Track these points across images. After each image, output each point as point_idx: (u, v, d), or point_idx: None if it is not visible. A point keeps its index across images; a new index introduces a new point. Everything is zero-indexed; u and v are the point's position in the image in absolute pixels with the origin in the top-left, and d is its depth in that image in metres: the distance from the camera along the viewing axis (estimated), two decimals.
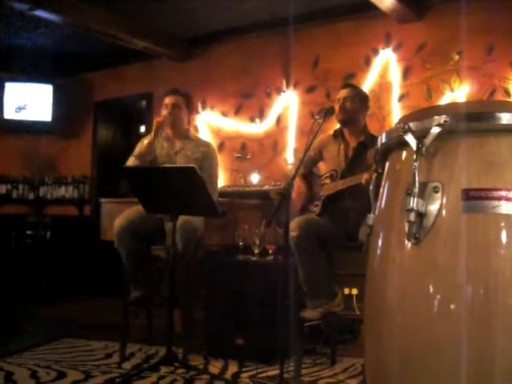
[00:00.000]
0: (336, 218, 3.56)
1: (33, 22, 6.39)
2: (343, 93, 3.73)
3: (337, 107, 3.68)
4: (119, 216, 3.75)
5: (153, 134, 3.93)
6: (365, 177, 3.27)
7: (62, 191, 7.85)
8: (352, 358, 3.74)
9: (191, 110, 4.23)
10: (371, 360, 1.72)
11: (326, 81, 6.13)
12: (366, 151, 3.60)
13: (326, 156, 3.82)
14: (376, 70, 5.85)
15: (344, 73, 5.98)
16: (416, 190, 1.50)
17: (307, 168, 3.88)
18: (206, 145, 4.25)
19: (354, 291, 4.59)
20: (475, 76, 5.30)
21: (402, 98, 5.69)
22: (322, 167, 3.94)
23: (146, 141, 3.95)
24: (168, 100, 4.08)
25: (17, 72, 7.63)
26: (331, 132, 3.86)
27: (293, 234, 3.23)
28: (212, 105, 6.91)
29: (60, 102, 7.80)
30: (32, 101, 7.73)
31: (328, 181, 3.70)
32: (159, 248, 3.88)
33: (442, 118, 1.49)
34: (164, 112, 4.07)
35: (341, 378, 3.36)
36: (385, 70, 5.81)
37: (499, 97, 5.14)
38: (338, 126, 3.85)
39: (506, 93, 5.12)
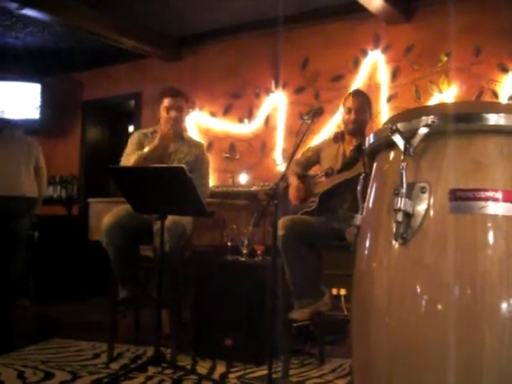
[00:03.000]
0: (326, 216, 3.56)
1: (21, 20, 6.36)
2: (357, 103, 3.68)
3: (347, 116, 3.67)
4: (108, 214, 3.74)
5: (157, 145, 3.83)
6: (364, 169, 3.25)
7: (50, 191, 7.79)
8: (340, 359, 3.74)
9: (189, 109, 4.15)
10: (359, 360, 1.72)
11: (314, 82, 6.14)
12: (362, 153, 3.58)
13: (324, 157, 3.81)
14: (365, 72, 5.86)
15: (333, 74, 6.00)
16: (403, 190, 1.50)
17: (303, 169, 3.87)
18: (199, 146, 4.22)
19: (343, 291, 4.61)
20: (463, 77, 5.33)
21: (390, 99, 5.71)
22: (316, 169, 3.93)
23: (145, 149, 3.84)
24: (171, 102, 3.94)
25: (5, 70, 7.58)
26: (330, 135, 3.84)
27: (280, 233, 3.24)
28: (201, 105, 6.90)
29: (48, 101, 7.76)
30: (20, 100, 7.69)
31: (323, 179, 3.70)
32: (147, 248, 3.87)
33: (430, 119, 1.49)
34: (164, 114, 3.94)
35: (329, 379, 3.36)
36: (373, 71, 5.82)
37: (487, 98, 5.16)
38: (327, 125, 3.84)
39: (494, 94, 5.15)
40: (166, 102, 3.96)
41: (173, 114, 3.94)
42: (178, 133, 4.05)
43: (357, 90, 4.08)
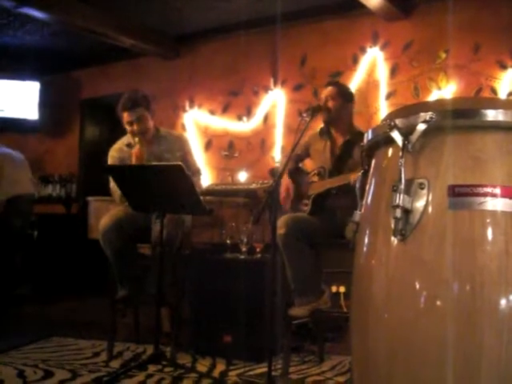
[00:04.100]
0: (324, 216, 3.56)
1: (19, 19, 6.35)
2: (325, 92, 3.72)
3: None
4: (105, 215, 3.73)
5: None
6: (353, 177, 3.27)
7: (49, 190, 7.79)
8: (340, 356, 3.75)
9: (152, 109, 3.99)
10: (358, 357, 1.72)
11: (313, 79, 6.14)
12: (352, 149, 3.60)
13: (313, 153, 3.82)
14: (363, 69, 5.86)
15: (331, 71, 5.99)
16: (402, 186, 1.50)
17: (294, 163, 3.87)
18: (180, 139, 4.20)
19: (342, 289, 4.61)
20: (462, 74, 5.33)
21: (389, 96, 5.70)
22: (309, 164, 3.93)
23: None
24: (130, 117, 3.85)
25: (3, 69, 7.58)
26: (317, 129, 3.85)
27: (280, 231, 3.23)
28: (199, 103, 6.90)
29: (47, 99, 7.76)
30: (19, 98, 7.69)
31: (316, 178, 3.70)
32: (145, 246, 3.87)
33: (428, 115, 1.49)
34: (128, 128, 3.90)
35: (329, 376, 3.37)
36: (372, 68, 5.82)
37: (486, 95, 5.16)
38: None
39: (493, 91, 5.15)
40: (126, 116, 3.88)
41: (135, 128, 3.87)
42: (153, 135, 4.00)
43: (329, 80, 4.05)
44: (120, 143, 4.09)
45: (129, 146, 3.97)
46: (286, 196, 3.69)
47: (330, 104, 3.67)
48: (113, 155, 4.01)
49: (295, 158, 3.84)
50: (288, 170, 3.77)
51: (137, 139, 3.85)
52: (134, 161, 3.80)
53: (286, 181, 3.72)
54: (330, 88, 3.74)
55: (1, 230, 5.58)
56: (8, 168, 5.67)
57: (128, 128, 3.92)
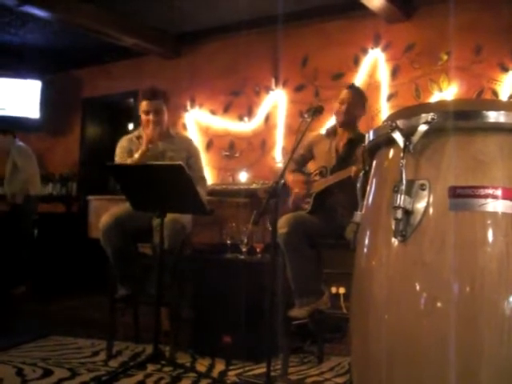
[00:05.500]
0: (325, 215, 3.56)
1: (21, 17, 6.37)
2: (348, 94, 3.71)
3: (338, 107, 3.68)
4: (106, 213, 3.73)
5: (145, 150, 3.84)
6: (353, 169, 3.27)
7: (50, 188, 7.80)
8: (339, 357, 3.75)
9: (168, 107, 4.09)
10: (358, 358, 1.71)
11: (314, 80, 6.15)
12: (355, 147, 3.60)
13: (317, 153, 3.82)
14: (365, 70, 5.87)
15: (333, 72, 6.00)
16: (403, 187, 1.50)
17: (299, 166, 3.88)
18: (188, 141, 4.23)
19: (342, 290, 4.61)
20: (463, 76, 5.33)
21: (390, 97, 5.71)
22: (311, 166, 3.94)
23: (136, 156, 3.85)
24: (148, 106, 3.89)
25: (5, 68, 7.58)
26: (322, 130, 3.85)
27: (282, 230, 3.23)
28: (201, 103, 6.90)
29: (48, 98, 7.77)
30: (20, 97, 7.69)
31: (318, 178, 3.70)
32: (146, 245, 3.86)
33: (430, 116, 1.49)
34: (143, 117, 3.92)
35: (328, 377, 3.36)
36: (373, 69, 5.83)
37: (487, 97, 5.16)
38: (327, 123, 3.84)
39: (494, 93, 5.15)
40: (144, 105, 3.92)
41: (150, 118, 3.89)
42: (163, 132, 4.01)
43: (353, 84, 4.10)
44: (131, 135, 4.14)
45: (138, 138, 4.01)
46: (299, 187, 3.70)
47: (352, 109, 3.68)
48: (122, 145, 4.05)
49: (300, 159, 3.85)
50: (292, 170, 3.79)
51: (144, 135, 3.90)
52: (137, 157, 3.83)
53: (289, 176, 3.74)
54: (353, 92, 3.74)
55: (11, 229, 5.63)
56: (29, 166, 5.81)
57: (144, 117, 3.93)
